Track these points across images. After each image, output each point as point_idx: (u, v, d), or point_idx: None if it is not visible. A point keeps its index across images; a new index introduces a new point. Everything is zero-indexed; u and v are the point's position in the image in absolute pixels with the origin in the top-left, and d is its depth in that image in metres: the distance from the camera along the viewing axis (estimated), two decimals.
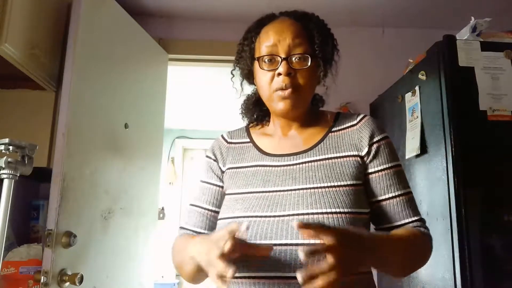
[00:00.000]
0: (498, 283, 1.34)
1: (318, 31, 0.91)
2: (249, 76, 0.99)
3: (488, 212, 1.39)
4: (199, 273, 0.83)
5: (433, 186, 1.53)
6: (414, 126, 1.66)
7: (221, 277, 0.65)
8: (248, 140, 0.99)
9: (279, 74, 0.86)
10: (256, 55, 0.92)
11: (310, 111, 0.96)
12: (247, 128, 1.03)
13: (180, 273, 0.90)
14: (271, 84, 0.88)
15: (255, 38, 0.94)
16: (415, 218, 0.86)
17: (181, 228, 0.98)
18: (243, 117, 1.04)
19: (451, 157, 1.41)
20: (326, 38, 0.93)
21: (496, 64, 1.50)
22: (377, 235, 0.82)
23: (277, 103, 0.88)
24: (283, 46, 0.87)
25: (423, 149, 1.60)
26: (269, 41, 0.89)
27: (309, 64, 0.87)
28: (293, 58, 0.87)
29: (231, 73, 1.02)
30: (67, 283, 1.38)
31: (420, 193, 1.63)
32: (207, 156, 1.01)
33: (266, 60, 0.89)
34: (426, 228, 0.88)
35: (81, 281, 1.41)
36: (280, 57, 0.87)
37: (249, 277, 0.80)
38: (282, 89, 0.87)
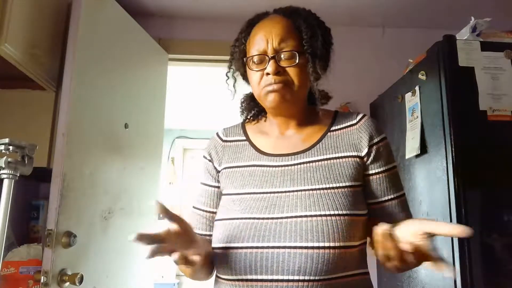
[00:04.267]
0: (498, 283, 1.34)
1: (307, 26, 0.89)
2: (244, 76, 0.98)
3: (488, 212, 1.39)
4: (197, 272, 0.85)
5: (433, 186, 1.52)
6: (414, 126, 1.66)
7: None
8: (244, 138, 0.98)
9: (268, 73, 0.86)
10: (247, 56, 0.92)
11: (307, 110, 0.95)
12: (243, 125, 1.01)
13: (185, 274, 0.90)
14: (261, 83, 0.88)
15: (246, 38, 0.93)
16: None
17: None
18: (241, 114, 1.03)
19: (451, 157, 1.41)
20: (316, 33, 0.90)
21: (496, 64, 1.50)
22: None
23: (266, 97, 0.88)
24: (270, 45, 0.86)
25: (423, 149, 1.60)
26: (257, 41, 0.88)
27: (297, 61, 0.86)
28: (281, 56, 0.86)
29: (226, 75, 1.00)
30: (67, 283, 1.38)
31: (420, 193, 1.63)
32: (203, 157, 1.01)
33: (255, 60, 0.88)
34: None
35: (81, 281, 1.41)
36: (268, 57, 0.86)
37: (245, 280, 0.79)
38: (271, 85, 0.86)
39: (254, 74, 0.89)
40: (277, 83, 0.85)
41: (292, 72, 0.86)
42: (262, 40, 0.87)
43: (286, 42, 0.86)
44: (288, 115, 0.92)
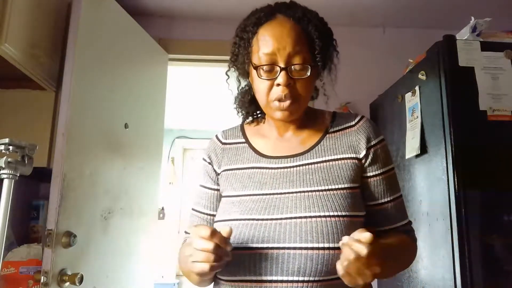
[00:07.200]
0: (498, 283, 1.34)
1: (319, 36, 0.86)
2: (245, 75, 0.95)
3: (488, 212, 1.39)
4: (203, 280, 0.84)
5: (433, 186, 1.52)
6: (414, 126, 1.66)
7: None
8: (243, 140, 0.97)
9: (278, 84, 0.83)
10: (253, 60, 0.87)
11: (306, 111, 0.94)
12: (242, 127, 1.01)
13: (189, 280, 0.90)
14: (270, 93, 0.85)
15: (252, 39, 0.88)
16: (405, 221, 0.92)
17: (185, 232, 0.98)
18: (238, 112, 1.01)
19: (451, 157, 1.41)
20: (327, 43, 0.89)
21: (496, 64, 1.50)
22: (385, 244, 0.81)
23: (275, 113, 0.86)
24: (282, 55, 0.83)
25: (423, 149, 1.60)
26: (267, 48, 0.84)
27: (308, 73, 0.84)
28: (293, 67, 0.84)
29: (226, 74, 0.98)
30: (67, 283, 1.38)
31: (420, 193, 1.63)
32: (203, 159, 1.00)
33: (264, 68, 0.85)
34: (413, 230, 0.94)
35: (81, 281, 1.41)
36: (280, 67, 0.83)
37: (245, 281, 0.79)
38: (280, 99, 0.84)
39: (262, 82, 0.86)
40: (286, 98, 0.83)
41: (302, 84, 0.85)
42: (273, 49, 0.83)
43: (298, 53, 0.83)
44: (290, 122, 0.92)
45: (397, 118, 1.85)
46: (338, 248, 0.75)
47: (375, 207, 0.89)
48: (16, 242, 1.65)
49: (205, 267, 0.71)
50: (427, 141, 1.58)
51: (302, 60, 0.84)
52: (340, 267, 0.70)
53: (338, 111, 0.99)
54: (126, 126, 1.83)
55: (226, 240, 0.72)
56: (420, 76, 1.64)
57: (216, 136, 1.01)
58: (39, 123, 1.66)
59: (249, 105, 0.99)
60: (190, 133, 4.70)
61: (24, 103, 1.68)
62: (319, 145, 0.90)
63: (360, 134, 0.89)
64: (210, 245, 0.69)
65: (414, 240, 0.93)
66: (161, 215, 4.24)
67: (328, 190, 0.83)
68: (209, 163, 0.98)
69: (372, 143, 0.89)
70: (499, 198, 1.41)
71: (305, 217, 0.79)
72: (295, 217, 0.80)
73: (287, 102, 0.84)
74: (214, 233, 0.70)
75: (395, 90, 1.90)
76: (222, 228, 0.72)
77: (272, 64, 0.84)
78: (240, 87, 0.99)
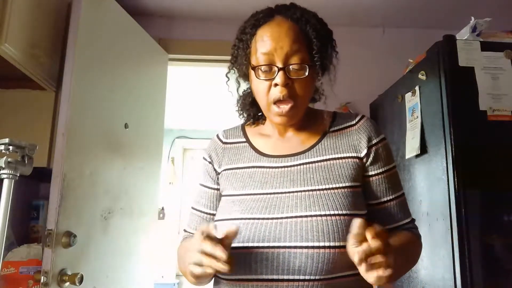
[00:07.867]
0: (498, 283, 1.34)
1: (317, 36, 0.86)
2: (245, 77, 0.96)
3: (488, 212, 1.39)
4: (201, 278, 0.84)
5: (433, 186, 1.52)
6: (414, 126, 1.66)
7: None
8: (244, 139, 0.98)
9: (276, 84, 0.83)
10: (252, 61, 0.88)
11: (306, 112, 0.94)
12: (242, 127, 1.01)
13: (186, 278, 0.89)
14: (268, 94, 0.85)
15: (251, 40, 0.89)
16: (409, 219, 0.91)
17: (185, 231, 0.98)
18: (239, 115, 1.02)
19: (451, 157, 1.41)
20: (325, 43, 0.89)
21: (496, 64, 1.50)
22: (396, 245, 0.79)
23: (274, 117, 0.87)
24: (280, 55, 0.83)
25: (423, 149, 1.60)
26: (265, 48, 0.84)
27: (306, 73, 0.84)
28: (290, 67, 0.84)
29: (226, 76, 0.99)
30: (67, 283, 1.38)
31: (420, 193, 1.63)
32: (203, 158, 1.00)
33: (262, 69, 0.85)
34: (416, 227, 0.93)
35: (81, 281, 1.41)
36: (277, 67, 0.83)
37: (245, 280, 0.79)
38: (279, 101, 0.84)
39: (261, 83, 0.86)
40: (285, 99, 0.83)
41: (300, 84, 0.85)
42: (271, 49, 0.84)
43: (296, 53, 0.84)
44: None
45: (397, 118, 1.85)
46: (339, 247, 0.76)
47: (378, 205, 0.89)
48: (16, 242, 1.65)
49: (210, 271, 0.70)
50: (427, 141, 1.58)
51: (300, 60, 0.84)
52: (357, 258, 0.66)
53: (338, 111, 0.99)
54: (126, 126, 1.83)
55: (229, 242, 0.71)
56: (420, 76, 1.64)
57: (217, 136, 1.02)
58: (39, 123, 1.66)
59: (250, 107, 0.99)
60: (190, 133, 4.70)
61: (24, 103, 1.68)
62: (319, 144, 0.90)
63: (361, 133, 0.89)
64: (215, 250, 0.68)
65: (418, 237, 0.92)
66: (161, 215, 4.24)
67: (329, 189, 0.83)
68: (210, 162, 0.98)
69: (373, 142, 0.89)
70: (499, 198, 1.41)
71: (306, 216, 0.79)
72: (296, 216, 0.80)
73: (287, 107, 0.84)
74: (215, 237, 0.70)
75: (395, 90, 1.90)
76: (229, 228, 0.71)
77: (270, 65, 0.84)
78: (242, 90, 1.00)
